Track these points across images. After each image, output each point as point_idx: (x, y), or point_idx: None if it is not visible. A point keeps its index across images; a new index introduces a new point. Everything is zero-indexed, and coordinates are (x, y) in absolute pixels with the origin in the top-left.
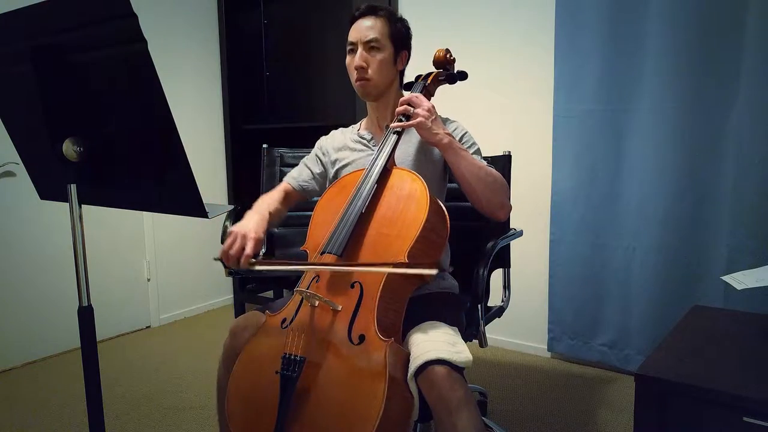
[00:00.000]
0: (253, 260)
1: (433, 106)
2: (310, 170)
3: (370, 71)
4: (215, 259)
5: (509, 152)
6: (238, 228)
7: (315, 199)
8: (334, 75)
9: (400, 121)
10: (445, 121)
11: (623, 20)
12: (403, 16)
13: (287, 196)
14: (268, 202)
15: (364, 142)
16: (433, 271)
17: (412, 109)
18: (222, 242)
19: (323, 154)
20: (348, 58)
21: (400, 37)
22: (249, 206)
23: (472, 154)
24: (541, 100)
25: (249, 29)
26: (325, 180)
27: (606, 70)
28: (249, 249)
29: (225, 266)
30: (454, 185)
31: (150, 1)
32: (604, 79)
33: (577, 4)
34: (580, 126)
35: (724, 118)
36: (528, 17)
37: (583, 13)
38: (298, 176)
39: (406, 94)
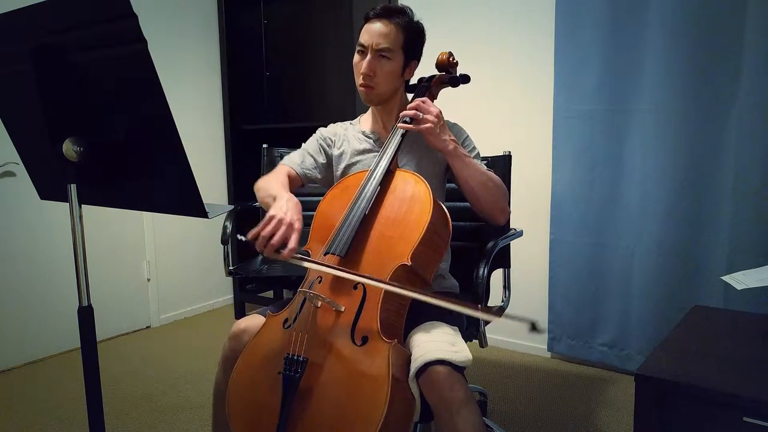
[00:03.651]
0: (296, 255)
1: (441, 112)
2: (314, 159)
3: (376, 79)
4: (244, 240)
5: (509, 152)
6: (281, 214)
7: (317, 199)
8: (334, 75)
9: (408, 123)
10: (446, 124)
11: (623, 20)
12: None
13: (291, 181)
14: (285, 184)
15: (370, 141)
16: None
17: (421, 114)
18: (222, 241)
19: (327, 145)
20: (356, 57)
21: (412, 47)
22: (249, 206)
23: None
24: (541, 100)
25: (249, 29)
26: (326, 170)
27: (606, 70)
28: (293, 242)
29: (248, 244)
30: (453, 185)
31: (150, 1)
32: (604, 79)
33: (577, 5)
34: (580, 126)
35: (724, 118)
36: (528, 17)
37: (583, 14)
38: (301, 162)
39: (410, 98)
